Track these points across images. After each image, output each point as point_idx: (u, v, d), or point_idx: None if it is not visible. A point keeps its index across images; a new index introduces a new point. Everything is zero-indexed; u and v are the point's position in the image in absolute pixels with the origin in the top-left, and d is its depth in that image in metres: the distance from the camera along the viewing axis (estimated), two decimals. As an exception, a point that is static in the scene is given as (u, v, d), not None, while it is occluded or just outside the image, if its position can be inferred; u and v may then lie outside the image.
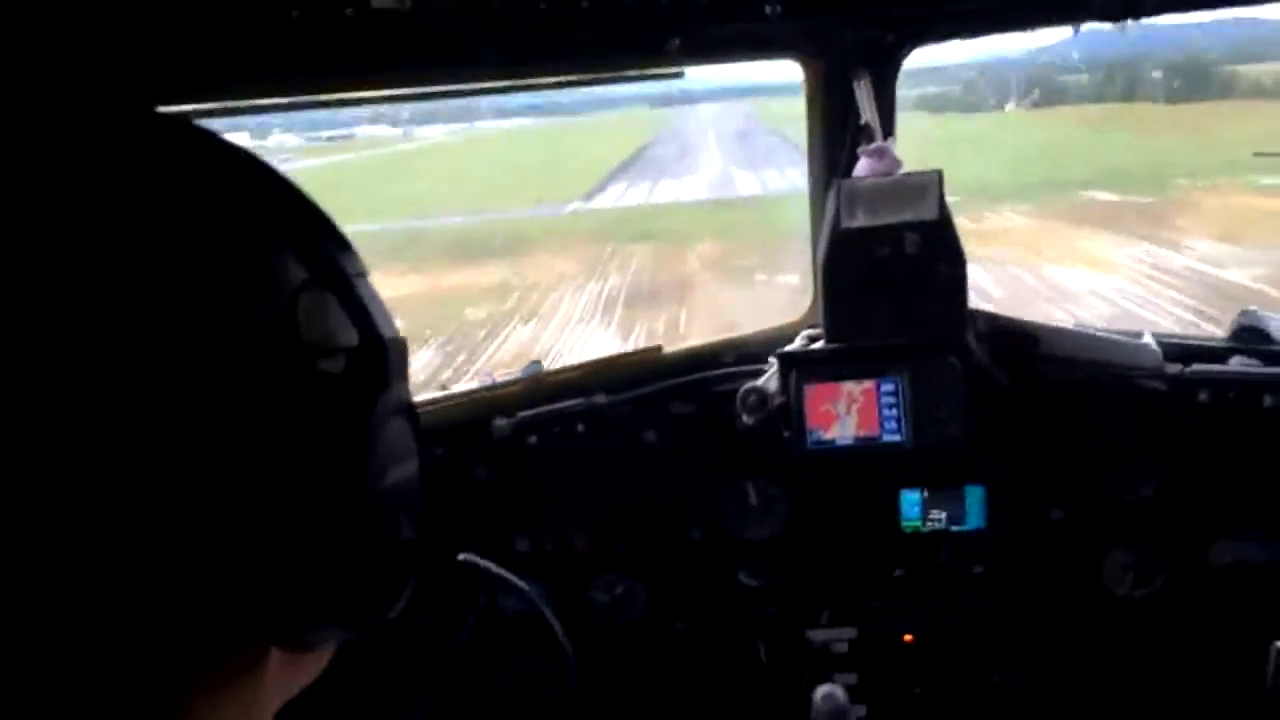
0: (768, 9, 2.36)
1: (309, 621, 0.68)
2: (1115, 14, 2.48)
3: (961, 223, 2.71)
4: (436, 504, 2.90)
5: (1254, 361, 2.75)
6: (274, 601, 0.66)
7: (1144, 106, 44.11)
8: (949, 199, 2.69)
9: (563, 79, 2.77)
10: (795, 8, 2.40)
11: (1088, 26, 2.56)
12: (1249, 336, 2.83)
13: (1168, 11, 2.49)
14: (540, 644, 2.71)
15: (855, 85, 2.79)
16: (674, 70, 2.72)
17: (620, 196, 36.16)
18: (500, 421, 2.91)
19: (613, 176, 41.16)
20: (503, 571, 2.47)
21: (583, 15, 2.32)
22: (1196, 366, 2.77)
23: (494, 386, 3.07)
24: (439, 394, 3.06)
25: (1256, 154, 26.39)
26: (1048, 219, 24.38)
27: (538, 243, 26.73)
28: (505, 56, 2.47)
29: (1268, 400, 2.67)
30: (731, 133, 52.16)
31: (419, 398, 3.00)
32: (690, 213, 30.19)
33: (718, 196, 32.97)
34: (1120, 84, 47.27)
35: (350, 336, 0.72)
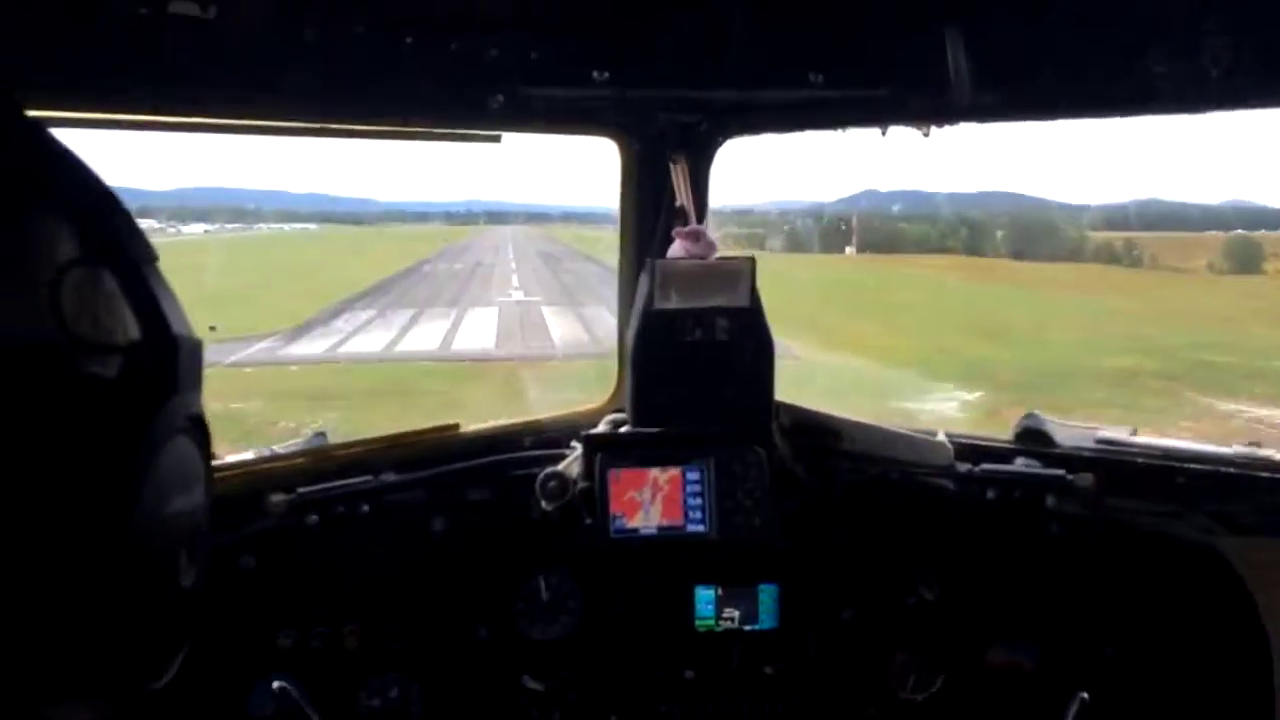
0: (594, 74, 2.93)
1: (46, 695, 0.62)
2: (926, 119, 3.23)
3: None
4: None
5: (1035, 463, 3.42)
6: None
7: (1001, 262, 47.77)
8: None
9: (374, 127, 3.14)
10: (621, 79, 2.97)
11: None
12: (1032, 438, 3.52)
13: (976, 120, 3.21)
14: None
15: (672, 168, 3.41)
16: (491, 134, 3.23)
17: (348, 338, 25.87)
18: (277, 497, 3.10)
19: (357, 301, 31.05)
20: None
21: (405, 53, 2.72)
22: (985, 465, 3.43)
23: (272, 458, 3.28)
24: None
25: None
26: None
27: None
28: (314, 89, 2.75)
29: (1049, 501, 3.33)
30: (536, 254, 49.70)
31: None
32: (454, 390, 20.00)
33: (518, 352, 23.09)
34: (965, 237, 52.57)
35: (132, 331, 0.70)
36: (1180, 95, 2.87)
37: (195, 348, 0.77)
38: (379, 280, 35.35)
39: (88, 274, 0.68)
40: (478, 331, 26.15)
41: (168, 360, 0.71)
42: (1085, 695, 3.04)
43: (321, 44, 2.64)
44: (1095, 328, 28.98)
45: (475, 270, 41.20)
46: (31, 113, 2.51)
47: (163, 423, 0.68)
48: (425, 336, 25.55)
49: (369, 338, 25.47)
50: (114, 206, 0.76)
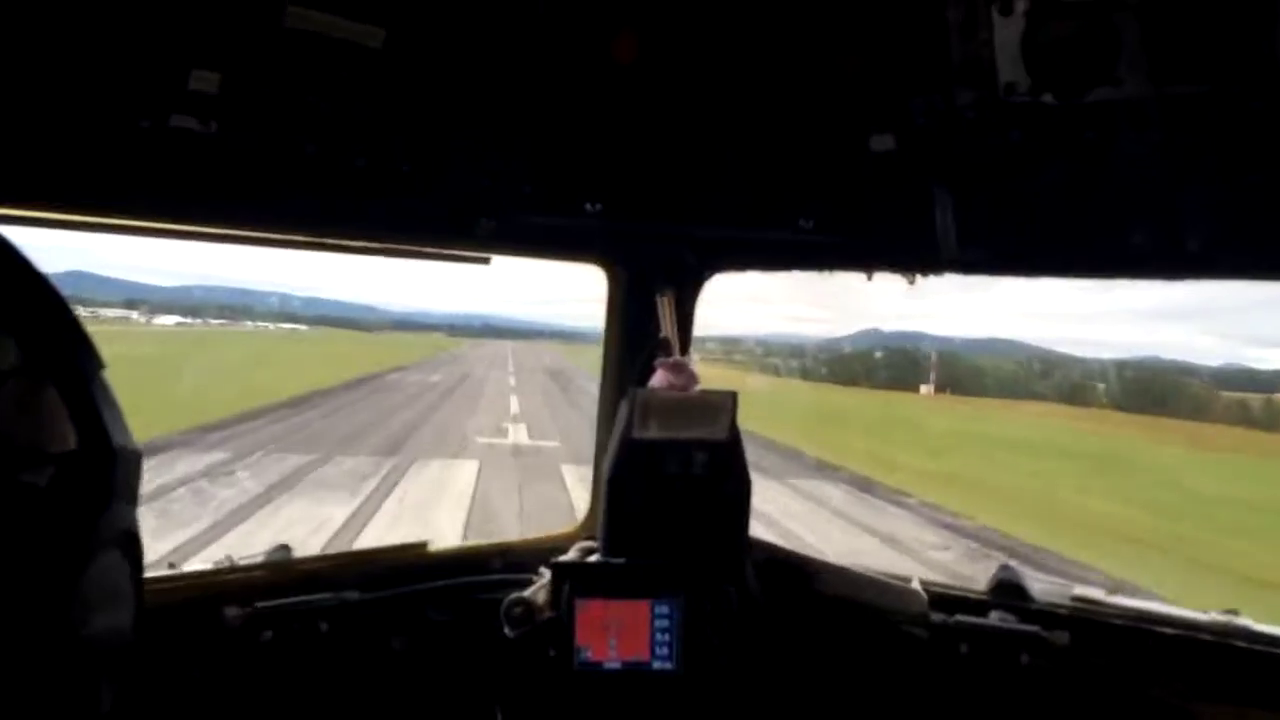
0: (587, 206, 3.56)
1: None
2: (911, 268, 3.89)
3: None
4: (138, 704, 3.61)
5: (1010, 616, 3.94)
6: None
7: (1110, 413, 47.39)
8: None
9: (366, 244, 3.73)
10: (612, 210, 3.59)
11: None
12: (1007, 591, 4.04)
13: (960, 272, 3.83)
14: None
15: (658, 300, 4.07)
16: (481, 255, 3.88)
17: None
18: (233, 610, 3.54)
19: (238, 424, 25.54)
20: None
21: (401, 177, 3.31)
22: (959, 617, 3.95)
23: (231, 569, 3.73)
24: (162, 573, 3.58)
25: None
26: None
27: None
28: (309, 205, 3.28)
29: (1024, 658, 3.83)
30: (543, 370, 44.98)
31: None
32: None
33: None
34: (1059, 383, 53.49)
35: (69, 441, 0.79)
36: (1158, 264, 3.46)
37: (135, 460, 0.86)
38: (308, 390, 31.90)
39: (28, 384, 0.77)
40: (436, 511, 16.78)
41: (103, 471, 0.80)
42: None
43: (319, 163, 3.19)
44: None
45: (460, 385, 36.83)
46: (34, 213, 3.12)
47: (93, 536, 0.76)
48: (303, 522, 15.84)
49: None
50: (62, 316, 0.86)
